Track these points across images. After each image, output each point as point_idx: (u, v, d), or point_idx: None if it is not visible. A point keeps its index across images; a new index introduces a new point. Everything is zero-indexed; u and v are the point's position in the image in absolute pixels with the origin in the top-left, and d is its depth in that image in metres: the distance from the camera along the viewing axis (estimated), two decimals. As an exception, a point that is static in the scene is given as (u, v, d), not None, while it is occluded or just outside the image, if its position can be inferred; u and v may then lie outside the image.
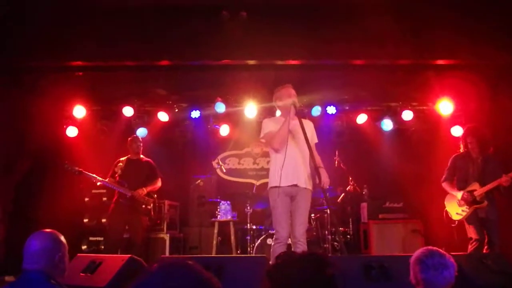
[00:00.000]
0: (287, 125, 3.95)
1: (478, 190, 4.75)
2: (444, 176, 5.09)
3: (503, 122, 5.95)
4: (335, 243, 6.21)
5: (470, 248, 4.75)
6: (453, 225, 4.97)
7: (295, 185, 3.95)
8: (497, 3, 5.31)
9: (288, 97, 4.09)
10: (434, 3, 5.17)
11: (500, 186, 4.70)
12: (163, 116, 6.96)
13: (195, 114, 6.96)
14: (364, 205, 6.56)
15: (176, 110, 7.03)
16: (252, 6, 5.43)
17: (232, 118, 7.15)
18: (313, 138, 4.23)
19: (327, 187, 3.94)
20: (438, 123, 6.90)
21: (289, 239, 4.06)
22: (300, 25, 5.45)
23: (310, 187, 4.06)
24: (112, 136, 6.82)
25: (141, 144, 5.82)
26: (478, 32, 5.34)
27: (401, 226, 6.24)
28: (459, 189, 4.91)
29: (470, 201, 4.78)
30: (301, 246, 3.89)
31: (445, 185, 5.07)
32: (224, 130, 7.17)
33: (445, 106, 6.67)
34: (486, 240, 4.73)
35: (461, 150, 5.07)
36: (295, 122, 4.03)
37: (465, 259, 3.49)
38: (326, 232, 6.17)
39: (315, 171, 3.90)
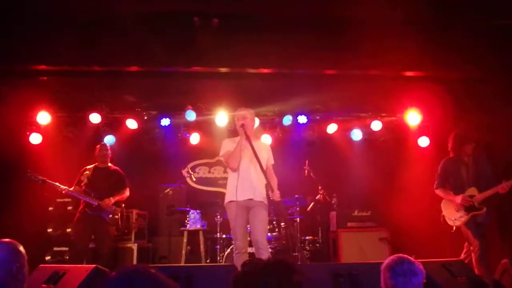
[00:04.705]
0: (239, 147, 4.22)
1: (477, 196, 4.69)
2: (436, 183, 5.00)
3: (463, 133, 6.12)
4: (305, 252, 6.22)
5: (474, 254, 4.59)
6: (451, 230, 4.87)
7: (251, 199, 4.19)
8: (464, 17, 5.48)
9: (238, 120, 4.35)
10: (403, 16, 5.30)
11: (499, 193, 4.61)
12: (132, 124, 6.84)
13: (165, 122, 6.87)
14: (333, 213, 6.61)
15: (146, 118, 6.92)
16: (224, 13, 5.42)
17: (202, 126, 7.09)
18: (269, 159, 4.44)
19: (276, 199, 4.15)
20: (406, 133, 7.07)
21: (250, 248, 4.31)
22: (272, 34, 5.46)
23: (265, 201, 4.29)
24: (78, 143, 6.63)
25: (109, 152, 5.69)
26: (445, 45, 5.50)
27: (369, 234, 6.31)
28: (456, 194, 4.81)
29: (469, 207, 4.69)
30: (264, 253, 4.00)
31: (439, 192, 4.97)
32: (194, 138, 7.09)
33: (412, 117, 6.84)
34: None
35: (451, 155, 4.97)
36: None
37: (432, 266, 3.56)
38: (295, 241, 6.17)
39: (267, 187, 4.13)
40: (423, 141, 6.90)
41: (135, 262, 6.06)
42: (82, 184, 5.35)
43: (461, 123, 5.99)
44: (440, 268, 3.67)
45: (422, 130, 6.94)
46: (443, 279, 3.48)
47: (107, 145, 5.83)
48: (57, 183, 5.15)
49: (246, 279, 1.49)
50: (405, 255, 2.30)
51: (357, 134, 7.19)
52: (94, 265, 3.54)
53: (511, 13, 5.37)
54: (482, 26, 5.59)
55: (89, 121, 6.63)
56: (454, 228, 4.84)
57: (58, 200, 6.24)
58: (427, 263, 3.55)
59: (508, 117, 5.65)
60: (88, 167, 5.52)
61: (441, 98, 6.30)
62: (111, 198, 5.37)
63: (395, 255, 2.31)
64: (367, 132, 7.18)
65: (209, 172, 7.67)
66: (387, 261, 2.30)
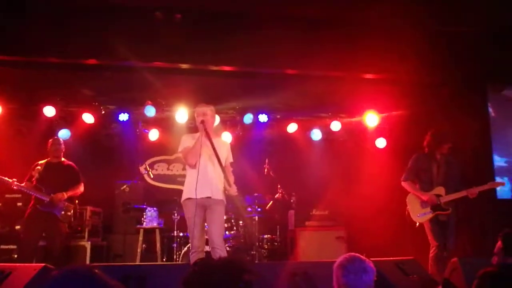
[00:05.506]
0: (199, 143, 4.13)
1: (444, 197, 4.71)
2: (404, 175, 4.95)
3: (419, 136, 6.32)
4: (263, 250, 6.24)
5: (431, 253, 4.65)
6: (415, 226, 4.86)
7: (209, 197, 4.12)
8: (423, 24, 5.66)
9: (198, 116, 4.26)
10: (364, 20, 5.41)
11: (467, 197, 4.67)
12: (88, 118, 6.63)
13: (123, 117, 6.71)
14: (291, 212, 6.66)
15: (103, 112, 6.73)
16: (188, 10, 5.37)
17: (162, 122, 6.97)
18: (229, 158, 4.41)
19: (233, 194, 4.18)
20: (364, 134, 7.24)
21: (207, 246, 4.28)
22: (235, 32, 5.47)
23: (224, 199, 4.25)
24: (30, 137, 6.39)
25: (63, 147, 5.48)
26: (404, 49, 5.64)
27: (327, 233, 6.38)
28: (424, 191, 4.81)
29: (435, 205, 4.72)
30: (219, 252, 3.97)
31: (406, 185, 4.91)
32: (153, 134, 6.96)
33: (370, 119, 7.01)
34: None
35: (425, 150, 4.95)
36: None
37: (384, 265, 3.64)
38: (254, 239, 6.18)
39: (225, 183, 4.12)
40: (381, 142, 7.10)
41: (88, 260, 5.87)
42: (34, 179, 5.12)
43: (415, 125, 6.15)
44: (392, 266, 3.76)
45: (379, 131, 7.14)
46: (395, 278, 3.57)
47: (61, 139, 5.61)
48: (5, 178, 4.91)
49: (196, 279, 1.46)
50: (357, 254, 2.34)
51: (316, 134, 7.31)
52: (42, 264, 3.39)
53: (468, 21, 5.61)
54: (440, 33, 5.80)
55: (43, 114, 6.38)
56: (417, 224, 4.85)
57: (7, 195, 5.95)
58: (379, 262, 3.64)
59: (462, 121, 5.88)
60: (40, 162, 5.29)
61: (399, 101, 6.49)
62: (64, 193, 5.18)
63: (347, 254, 2.36)
64: (327, 132, 7.32)
65: (168, 169, 7.54)
66: (339, 259, 2.33)
